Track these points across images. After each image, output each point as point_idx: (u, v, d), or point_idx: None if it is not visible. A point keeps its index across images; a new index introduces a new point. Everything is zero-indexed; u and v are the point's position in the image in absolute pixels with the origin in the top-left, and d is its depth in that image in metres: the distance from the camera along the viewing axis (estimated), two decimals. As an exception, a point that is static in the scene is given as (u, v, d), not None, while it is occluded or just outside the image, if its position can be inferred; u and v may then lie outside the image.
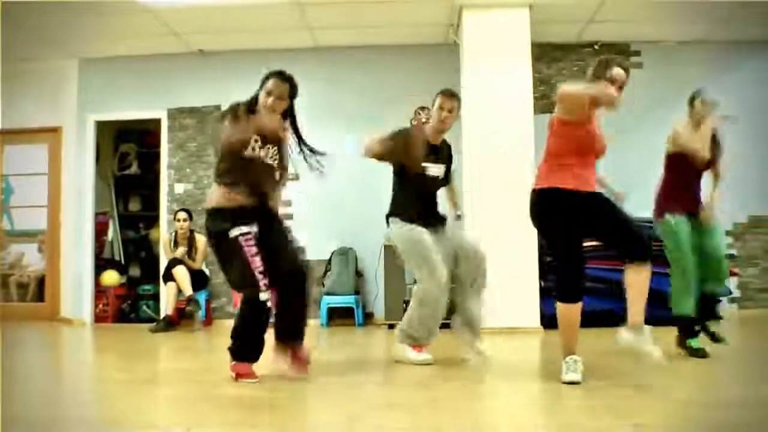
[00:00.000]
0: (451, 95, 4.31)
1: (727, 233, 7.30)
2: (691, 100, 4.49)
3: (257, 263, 3.47)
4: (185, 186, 7.68)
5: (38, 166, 8.02)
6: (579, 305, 3.50)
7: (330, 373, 3.98)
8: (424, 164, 4.31)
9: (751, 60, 7.50)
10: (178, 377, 3.77)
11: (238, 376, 3.53)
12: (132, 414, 2.87)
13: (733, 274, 6.63)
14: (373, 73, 7.52)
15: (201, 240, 7.19)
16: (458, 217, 4.60)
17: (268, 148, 3.65)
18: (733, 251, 7.20)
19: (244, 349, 3.58)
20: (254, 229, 3.55)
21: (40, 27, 6.75)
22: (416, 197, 4.36)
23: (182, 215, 7.16)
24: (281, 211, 3.84)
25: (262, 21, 6.84)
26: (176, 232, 7.19)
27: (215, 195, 3.65)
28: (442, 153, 4.40)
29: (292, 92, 3.71)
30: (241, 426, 2.69)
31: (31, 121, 7.81)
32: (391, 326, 6.70)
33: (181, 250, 7.08)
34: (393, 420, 2.73)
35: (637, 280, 3.41)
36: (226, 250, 3.55)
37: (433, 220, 4.35)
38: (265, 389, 3.45)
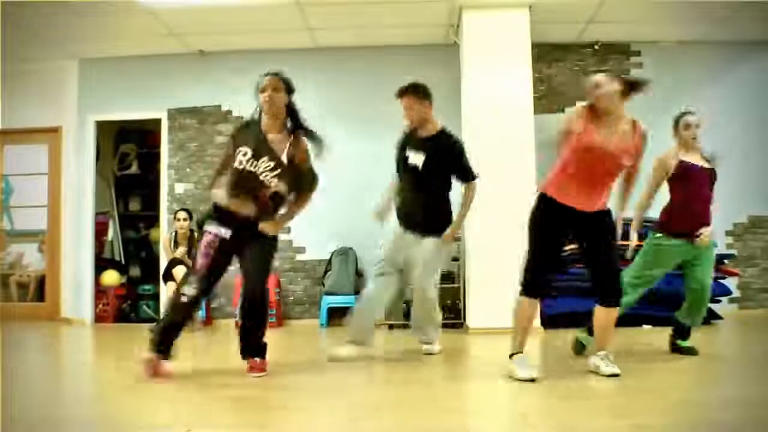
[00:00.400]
0: (402, 94, 4.43)
1: (727, 233, 7.31)
2: (676, 123, 4.47)
3: (200, 264, 3.63)
4: (185, 186, 7.68)
5: (38, 166, 8.02)
6: (537, 302, 3.66)
7: (330, 373, 3.98)
8: (407, 152, 4.42)
9: (751, 60, 7.50)
10: (178, 377, 3.77)
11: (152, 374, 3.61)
12: (132, 414, 2.87)
13: (733, 274, 6.63)
14: (373, 73, 7.52)
15: (201, 240, 7.19)
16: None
17: (263, 160, 3.68)
18: (734, 251, 7.20)
19: (157, 338, 3.67)
20: (225, 234, 3.66)
21: (40, 27, 6.74)
22: (402, 190, 4.55)
23: (182, 215, 7.16)
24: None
25: (262, 21, 6.84)
26: (176, 232, 7.19)
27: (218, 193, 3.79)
28: (425, 143, 4.41)
29: (287, 85, 3.80)
30: (241, 426, 2.69)
31: (32, 121, 7.80)
32: (391, 326, 6.70)
33: (181, 250, 7.07)
34: (393, 420, 2.73)
35: (604, 319, 3.62)
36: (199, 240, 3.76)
37: (416, 219, 4.40)
38: (265, 389, 3.45)
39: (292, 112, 3.85)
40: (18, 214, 8.16)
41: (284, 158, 3.70)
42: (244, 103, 7.62)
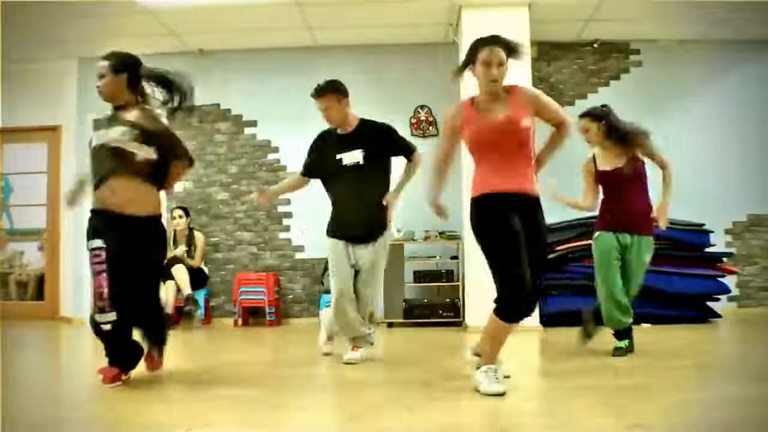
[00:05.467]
0: (318, 95, 4.21)
1: (727, 231, 7.31)
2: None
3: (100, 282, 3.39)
4: (185, 184, 7.67)
5: (38, 164, 8.02)
6: None
7: (329, 371, 3.98)
8: (338, 156, 4.21)
9: (751, 59, 7.49)
10: (177, 377, 3.77)
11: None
12: (131, 414, 2.87)
13: (732, 272, 6.64)
14: (372, 72, 7.51)
15: (200, 238, 7.20)
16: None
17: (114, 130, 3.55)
18: (733, 250, 7.20)
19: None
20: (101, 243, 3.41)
21: (40, 27, 6.74)
22: (336, 201, 4.43)
23: (178, 212, 7.16)
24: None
25: (262, 20, 6.83)
26: (175, 231, 7.18)
27: None
28: (355, 137, 4.23)
29: (117, 67, 3.75)
30: (240, 426, 2.69)
31: (31, 119, 7.79)
32: (390, 324, 6.71)
33: (180, 249, 7.07)
34: (393, 419, 2.73)
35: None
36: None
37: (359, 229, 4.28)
38: (264, 388, 3.45)
39: (135, 88, 3.70)
40: (17, 212, 8.16)
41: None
42: (243, 102, 7.68)
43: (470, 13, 6.42)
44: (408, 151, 4.31)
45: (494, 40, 3.21)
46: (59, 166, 7.87)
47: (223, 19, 6.77)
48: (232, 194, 7.65)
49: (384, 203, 4.21)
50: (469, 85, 6.32)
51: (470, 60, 3.25)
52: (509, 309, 3.16)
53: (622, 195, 4.30)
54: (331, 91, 4.21)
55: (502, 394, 3.03)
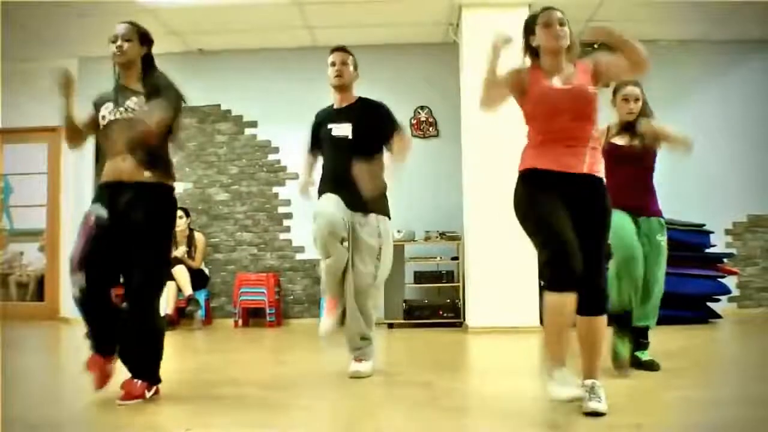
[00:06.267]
0: (338, 49, 4.30)
1: (727, 232, 7.31)
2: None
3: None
4: (185, 185, 7.67)
5: (38, 165, 8.02)
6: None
7: (330, 372, 3.98)
8: (329, 125, 4.11)
9: (751, 59, 7.50)
10: (178, 377, 3.77)
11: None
12: (132, 414, 2.87)
13: (732, 273, 6.63)
14: (372, 72, 7.46)
15: (200, 239, 7.20)
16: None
17: (128, 102, 3.43)
18: (733, 250, 7.20)
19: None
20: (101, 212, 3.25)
21: (40, 27, 6.75)
22: (329, 168, 4.12)
23: (178, 213, 7.13)
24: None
25: (262, 20, 6.84)
26: (175, 231, 7.18)
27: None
28: (349, 111, 4.13)
29: (142, 35, 3.55)
30: (240, 426, 2.69)
31: (31, 120, 7.79)
32: (391, 325, 6.70)
33: (181, 250, 7.07)
34: (393, 420, 2.73)
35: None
36: None
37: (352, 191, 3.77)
38: (265, 389, 3.45)
39: (148, 65, 3.55)
40: (17, 213, 8.16)
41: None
42: (243, 102, 7.68)
43: (470, 13, 6.43)
44: (395, 126, 4.11)
45: (550, 7, 3.13)
46: (59, 167, 7.87)
47: (223, 18, 6.78)
48: (233, 195, 7.65)
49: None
50: (469, 86, 6.38)
51: (529, 32, 3.18)
52: (552, 270, 2.72)
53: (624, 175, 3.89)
54: (350, 54, 4.32)
55: (570, 400, 2.67)
